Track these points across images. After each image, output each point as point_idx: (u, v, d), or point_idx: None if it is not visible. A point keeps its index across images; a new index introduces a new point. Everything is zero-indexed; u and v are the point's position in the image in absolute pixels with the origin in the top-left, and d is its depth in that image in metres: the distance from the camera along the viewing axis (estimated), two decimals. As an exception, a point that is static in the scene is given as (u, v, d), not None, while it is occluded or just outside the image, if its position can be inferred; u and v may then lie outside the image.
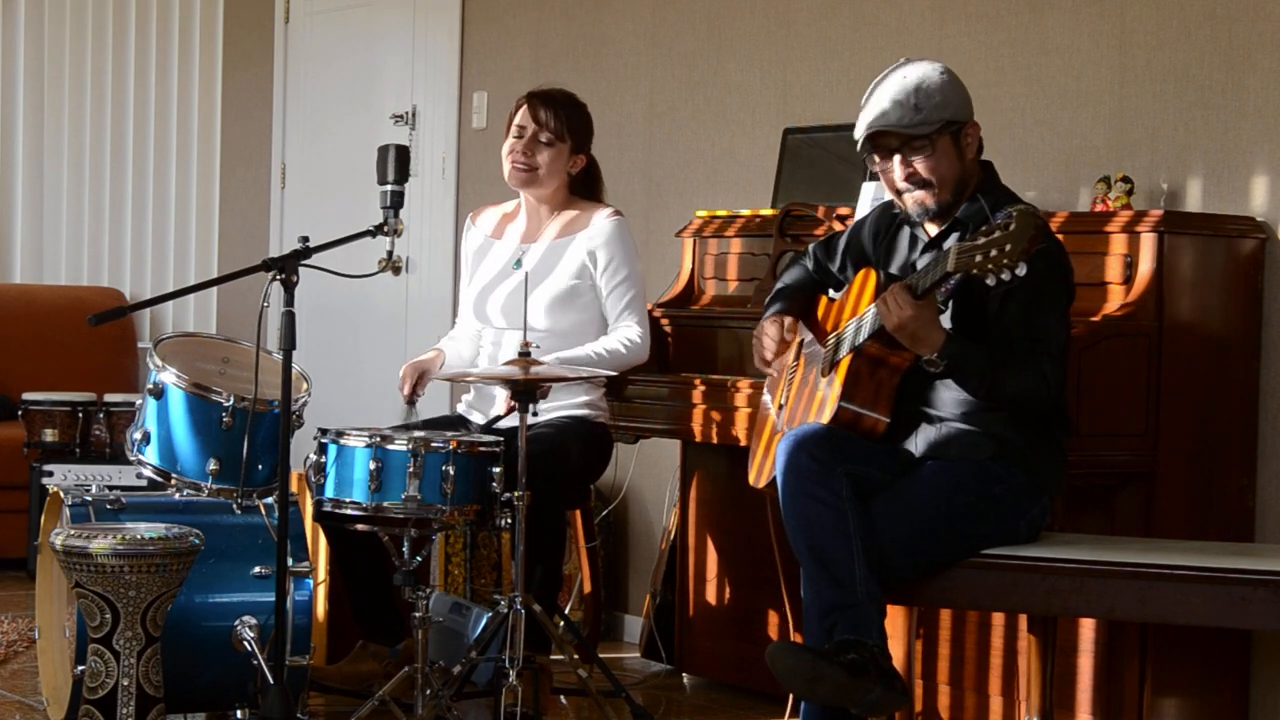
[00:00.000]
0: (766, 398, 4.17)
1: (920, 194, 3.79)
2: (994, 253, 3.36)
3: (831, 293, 4.09)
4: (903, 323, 3.58)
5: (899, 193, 3.82)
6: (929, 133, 3.74)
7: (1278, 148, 4.21)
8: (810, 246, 4.20)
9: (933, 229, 3.85)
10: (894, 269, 3.91)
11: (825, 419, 3.75)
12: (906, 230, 3.92)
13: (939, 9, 4.97)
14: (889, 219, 3.98)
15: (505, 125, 4.82)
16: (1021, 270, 3.35)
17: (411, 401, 4.69)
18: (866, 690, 3.51)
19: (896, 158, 3.78)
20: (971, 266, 3.40)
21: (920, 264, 3.83)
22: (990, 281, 3.39)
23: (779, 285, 4.16)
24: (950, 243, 3.74)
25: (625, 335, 4.66)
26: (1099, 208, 4.29)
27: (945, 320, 3.69)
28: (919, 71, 3.78)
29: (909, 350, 3.67)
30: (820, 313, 4.05)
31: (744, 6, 5.58)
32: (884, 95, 3.78)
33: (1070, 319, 3.78)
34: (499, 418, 4.50)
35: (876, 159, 3.83)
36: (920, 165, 3.77)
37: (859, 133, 3.82)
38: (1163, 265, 4.03)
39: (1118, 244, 4.09)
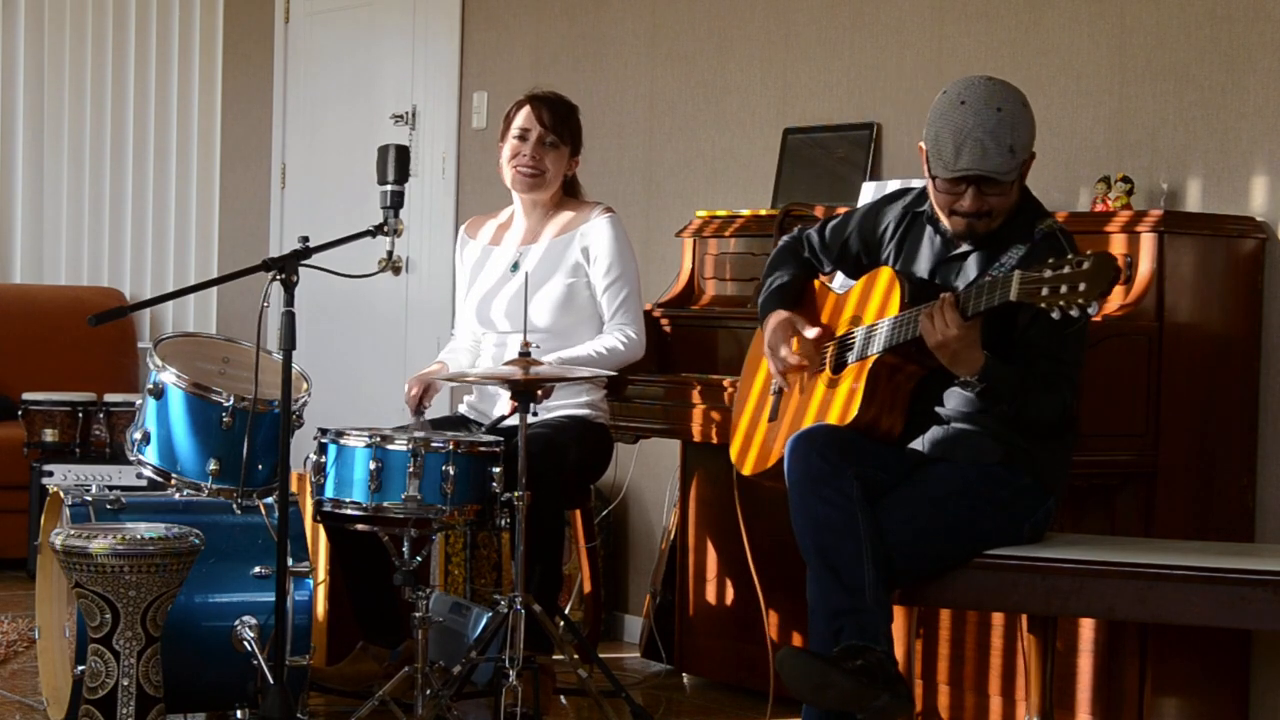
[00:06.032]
0: (748, 379, 4.15)
1: (978, 222, 3.74)
2: (1064, 288, 3.35)
3: (836, 286, 4.06)
4: (946, 341, 3.56)
5: (953, 213, 3.75)
6: (1014, 178, 3.71)
7: (1278, 148, 4.21)
8: (802, 231, 4.14)
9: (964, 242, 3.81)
10: (919, 271, 3.86)
11: (835, 419, 3.74)
12: (929, 231, 3.87)
13: (939, 9, 4.97)
14: (909, 216, 3.93)
15: (502, 128, 4.82)
16: (1093, 310, 3.35)
17: (419, 413, 4.70)
18: (874, 697, 3.51)
19: (972, 189, 3.70)
20: (1038, 299, 3.39)
21: (950, 271, 3.81)
22: (1055, 315, 3.38)
23: (770, 270, 4.11)
24: (971, 262, 3.74)
25: (622, 333, 4.67)
26: (1099, 208, 4.29)
27: None
28: (1011, 105, 3.67)
29: (930, 363, 3.66)
30: (818, 305, 4.03)
31: (744, 6, 5.58)
32: (981, 129, 3.64)
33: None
34: (502, 418, 4.51)
35: (948, 183, 3.73)
36: (994, 201, 3.72)
37: (954, 165, 3.65)
38: (1163, 265, 4.03)
39: (1118, 244, 4.09)
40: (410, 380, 4.76)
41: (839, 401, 3.78)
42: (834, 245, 4.04)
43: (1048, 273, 3.38)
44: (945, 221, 3.80)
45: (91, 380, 6.71)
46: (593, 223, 4.72)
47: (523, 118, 4.76)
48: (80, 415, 6.29)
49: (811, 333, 3.93)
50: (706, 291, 5.07)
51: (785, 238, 4.16)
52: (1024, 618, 3.92)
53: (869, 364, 3.73)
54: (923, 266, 3.87)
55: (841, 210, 4.60)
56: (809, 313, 4.01)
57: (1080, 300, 3.34)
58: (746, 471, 4.06)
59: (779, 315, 3.99)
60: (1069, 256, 3.39)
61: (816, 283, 4.07)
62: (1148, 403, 4.02)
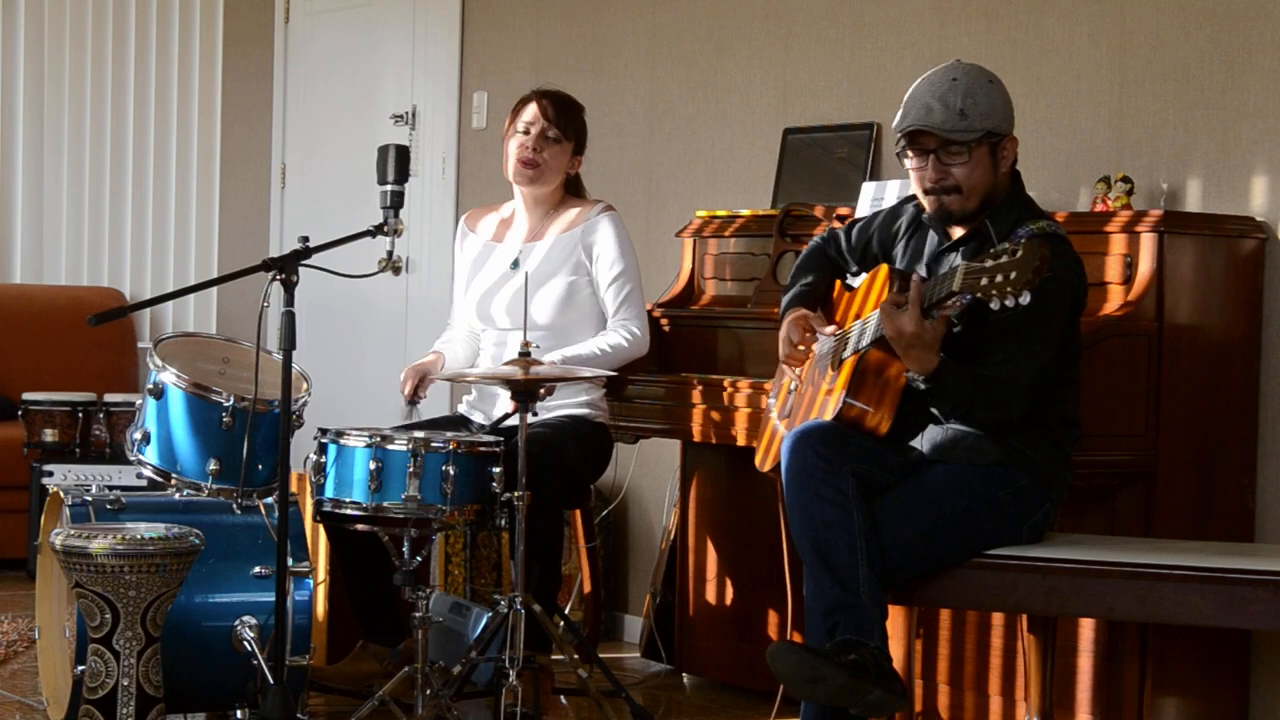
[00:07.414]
0: (782, 377, 4.16)
1: (947, 198, 3.75)
2: (999, 278, 3.35)
3: (852, 280, 4.07)
4: (900, 334, 3.56)
5: (926, 192, 3.78)
6: (969, 140, 3.70)
7: (1278, 148, 4.21)
8: (833, 229, 4.16)
9: (957, 231, 3.82)
10: (922, 269, 3.85)
11: (829, 415, 3.75)
12: (929, 229, 3.88)
13: (939, 9, 4.97)
14: (919, 216, 3.94)
15: (507, 123, 4.84)
16: (1025, 299, 3.34)
17: (414, 402, 4.70)
18: (866, 691, 3.51)
19: (931, 158, 3.74)
20: (977, 289, 3.39)
21: (941, 266, 3.80)
22: (994, 306, 3.38)
23: (797, 272, 4.13)
24: (957, 257, 3.74)
25: (626, 330, 4.68)
26: (1099, 208, 4.29)
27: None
28: (970, 76, 3.72)
29: None
30: (839, 304, 4.03)
31: (744, 6, 5.58)
32: (931, 93, 3.72)
33: (1080, 327, 3.77)
34: (504, 418, 4.51)
35: (911, 155, 3.77)
36: (955, 171, 3.72)
37: (899, 125, 3.75)
38: (1163, 265, 4.03)
39: (1118, 244, 4.09)
40: (405, 371, 4.77)
41: (834, 398, 3.79)
42: (859, 245, 4.06)
43: (988, 263, 3.39)
44: (925, 206, 3.81)
45: (91, 380, 6.71)
46: (595, 220, 4.74)
47: (527, 111, 4.79)
48: (80, 415, 6.29)
49: (826, 327, 3.94)
50: (706, 291, 5.07)
51: (816, 238, 4.17)
52: (1024, 618, 3.92)
53: (852, 360, 3.74)
54: (923, 264, 3.88)
55: (843, 210, 4.63)
56: (829, 312, 4.02)
57: (1010, 289, 3.34)
58: (765, 469, 4.06)
59: (793, 313, 4.01)
60: (1006, 246, 3.39)
61: (839, 283, 4.07)
62: (1148, 403, 4.02)
